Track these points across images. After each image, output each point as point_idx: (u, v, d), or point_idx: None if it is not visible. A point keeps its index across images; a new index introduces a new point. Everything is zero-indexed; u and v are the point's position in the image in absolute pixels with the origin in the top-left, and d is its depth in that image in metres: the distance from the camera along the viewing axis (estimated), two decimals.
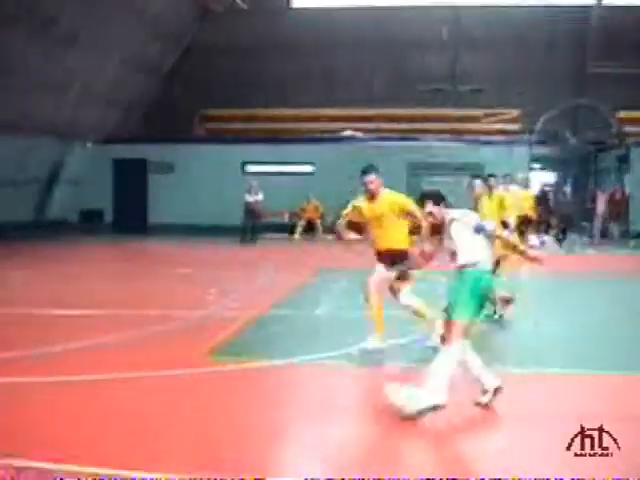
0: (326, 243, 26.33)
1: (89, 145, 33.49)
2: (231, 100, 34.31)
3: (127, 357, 10.26)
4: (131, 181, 33.41)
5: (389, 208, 10.16)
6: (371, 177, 10.17)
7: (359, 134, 33.21)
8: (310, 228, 30.41)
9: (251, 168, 32.51)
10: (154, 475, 6.28)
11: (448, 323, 7.88)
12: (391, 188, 10.34)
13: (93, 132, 32.91)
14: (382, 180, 10.28)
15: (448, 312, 7.91)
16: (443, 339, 7.94)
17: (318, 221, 30.15)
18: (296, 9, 35.55)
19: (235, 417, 7.88)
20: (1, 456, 6.42)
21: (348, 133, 33.31)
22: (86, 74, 29.67)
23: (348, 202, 10.88)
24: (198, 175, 32.29)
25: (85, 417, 7.82)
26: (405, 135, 32.90)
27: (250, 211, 28.17)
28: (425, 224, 9.83)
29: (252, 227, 28.12)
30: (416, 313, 10.37)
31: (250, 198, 28.24)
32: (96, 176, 33.45)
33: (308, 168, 31.74)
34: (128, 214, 33.42)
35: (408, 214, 10.12)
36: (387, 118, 34.03)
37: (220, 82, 34.64)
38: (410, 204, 10.08)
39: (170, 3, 31.21)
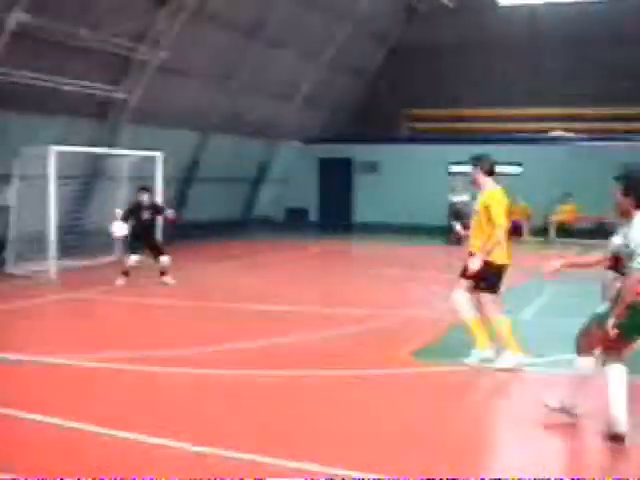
0: (532, 246, 25.58)
1: (296, 145, 34.10)
2: (436, 99, 33.99)
3: (330, 354, 10.38)
4: (336, 180, 33.76)
5: (481, 205, 9.46)
6: (471, 169, 9.62)
7: (569, 134, 32.06)
8: (516, 231, 29.53)
9: (456, 168, 32.03)
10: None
11: (590, 333, 7.11)
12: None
13: (300, 132, 33.50)
14: (480, 173, 9.53)
15: (595, 321, 7.08)
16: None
17: (525, 223, 29.27)
18: (503, 7, 34.70)
19: (415, 420, 7.72)
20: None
21: (557, 133, 32.24)
22: (294, 75, 30.24)
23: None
24: (402, 175, 32.21)
25: (283, 411, 7.89)
26: (618, 135, 31.46)
27: (455, 211, 27.74)
28: (495, 237, 9.20)
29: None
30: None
31: (455, 198, 27.84)
32: (302, 175, 34.08)
33: (515, 169, 30.92)
34: (333, 213, 33.79)
35: (488, 218, 9.31)
36: (598, 117, 32.67)
37: (425, 81, 34.37)
38: (495, 209, 9.27)
39: (377, 4, 31.25)
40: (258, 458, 6.42)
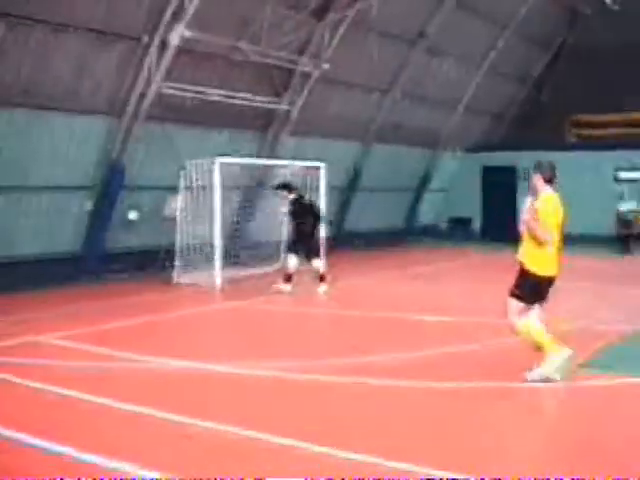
0: None
1: (458, 153, 33.73)
2: (603, 104, 32.67)
3: (488, 365, 10.16)
4: (500, 188, 33.08)
5: (532, 207, 9.36)
6: (532, 174, 9.66)
7: None
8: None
9: (625, 175, 30.81)
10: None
11: None
12: None
13: (462, 140, 33.12)
14: (541, 180, 9.50)
15: None
16: None
17: None
18: None
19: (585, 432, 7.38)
20: None
21: None
22: (455, 83, 29.92)
23: None
24: (567, 182, 30.91)
25: (434, 422, 7.75)
26: None
27: (623, 220, 26.74)
28: (540, 234, 9.08)
29: (626, 237, 26.63)
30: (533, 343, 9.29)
31: (623, 207, 26.85)
32: (465, 184, 33.64)
33: None
34: (497, 222, 33.10)
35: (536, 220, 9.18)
36: None
37: (591, 86, 33.13)
38: (542, 212, 9.15)
39: (538, 8, 30.50)
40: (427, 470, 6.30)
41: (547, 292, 9.38)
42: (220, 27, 19.50)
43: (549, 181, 9.55)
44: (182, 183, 18.97)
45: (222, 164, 18.28)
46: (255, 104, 22.10)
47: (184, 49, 19.04)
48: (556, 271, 9.35)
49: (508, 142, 34.29)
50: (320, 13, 22.24)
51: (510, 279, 9.26)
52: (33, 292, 16.97)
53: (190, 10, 18.28)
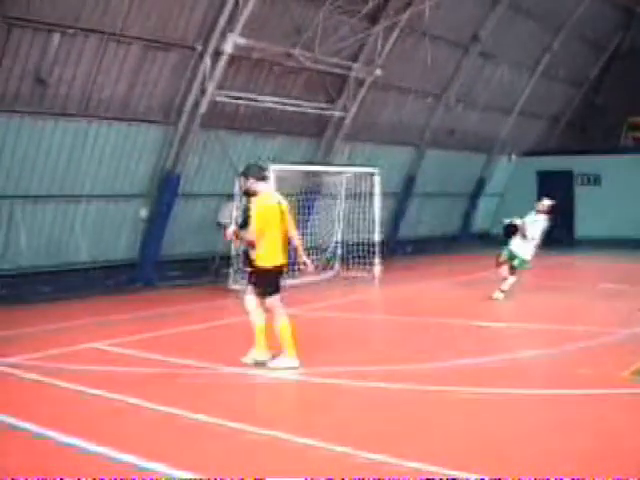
0: None
1: (513, 158, 33.38)
2: None
3: (546, 373, 10.06)
4: (556, 193, 32.57)
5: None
6: (243, 182, 10.51)
7: None
8: None
9: None
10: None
11: None
12: None
13: (516, 145, 32.79)
14: (254, 182, 9.99)
15: None
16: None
17: None
18: None
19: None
20: None
21: None
22: (509, 87, 29.65)
23: None
24: (626, 187, 30.69)
25: (478, 428, 7.63)
26: None
27: None
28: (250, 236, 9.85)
29: None
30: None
31: None
32: (520, 188, 33.22)
33: None
34: (553, 227, 32.62)
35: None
36: None
37: None
38: (255, 212, 9.78)
39: (594, 9, 30.08)
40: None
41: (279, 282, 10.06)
42: (273, 34, 19.57)
43: (262, 179, 10.02)
44: (237, 190, 19.01)
45: (276, 170, 18.26)
46: (309, 110, 22.12)
47: (237, 57, 19.13)
48: (282, 261, 9.99)
49: (564, 146, 33.90)
50: (373, 19, 22.20)
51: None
52: (88, 299, 17.18)
53: (243, 18, 18.36)
